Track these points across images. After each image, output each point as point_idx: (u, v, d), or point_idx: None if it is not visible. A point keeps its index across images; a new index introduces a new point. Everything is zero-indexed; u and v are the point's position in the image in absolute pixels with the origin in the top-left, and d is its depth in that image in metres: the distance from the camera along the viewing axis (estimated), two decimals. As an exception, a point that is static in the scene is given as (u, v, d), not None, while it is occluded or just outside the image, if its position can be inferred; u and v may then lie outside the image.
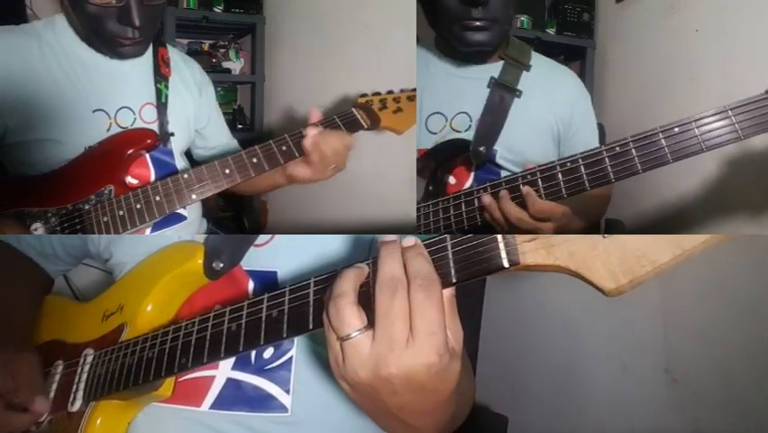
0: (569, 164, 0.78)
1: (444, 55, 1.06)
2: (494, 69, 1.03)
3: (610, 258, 0.43)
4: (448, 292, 0.47)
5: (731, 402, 1.31)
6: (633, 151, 0.74)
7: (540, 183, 0.80)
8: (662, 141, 0.73)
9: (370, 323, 0.46)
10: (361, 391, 0.47)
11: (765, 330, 1.26)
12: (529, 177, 0.82)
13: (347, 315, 0.45)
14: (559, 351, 1.64)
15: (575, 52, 2.02)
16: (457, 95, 1.03)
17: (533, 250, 0.46)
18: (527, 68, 1.03)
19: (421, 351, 0.43)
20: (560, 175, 0.79)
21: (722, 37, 1.42)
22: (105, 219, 0.88)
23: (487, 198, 0.84)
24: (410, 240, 0.49)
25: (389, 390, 0.45)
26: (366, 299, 0.47)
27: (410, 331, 0.44)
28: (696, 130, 0.71)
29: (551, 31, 1.97)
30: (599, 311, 1.53)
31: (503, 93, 1.00)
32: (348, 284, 0.47)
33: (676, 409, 1.39)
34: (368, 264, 0.50)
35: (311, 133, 0.90)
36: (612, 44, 1.94)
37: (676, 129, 0.72)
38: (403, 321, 0.44)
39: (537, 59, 1.07)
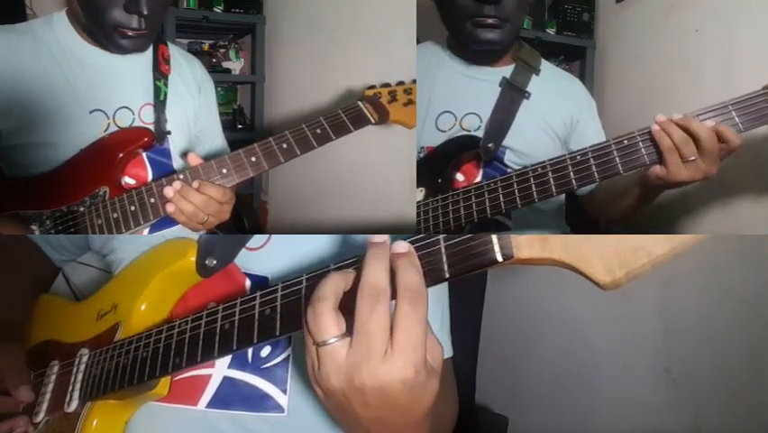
0: (578, 157, 0.82)
1: (455, 54, 1.07)
2: (505, 71, 1.05)
3: (606, 251, 0.43)
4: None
5: (731, 402, 1.31)
6: (640, 143, 0.78)
7: (550, 175, 0.83)
8: None
9: (350, 329, 0.44)
10: (333, 399, 0.46)
11: (765, 330, 1.26)
12: (540, 170, 0.84)
13: (325, 321, 0.44)
14: (559, 351, 1.64)
15: (575, 52, 2.02)
16: (468, 95, 1.04)
17: (527, 244, 0.45)
18: (537, 71, 1.06)
19: (398, 365, 0.42)
20: (569, 168, 0.82)
21: (722, 37, 1.42)
22: (100, 222, 0.86)
23: (662, 119, 0.76)
24: (403, 246, 0.47)
25: (362, 401, 0.44)
26: (351, 302, 0.45)
27: (390, 343, 0.43)
28: None
29: (551, 31, 1.97)
30: (599, 311, 1.52)
31: (513, 93, 1.03)
32: (329, 288, 0.46)
33: (676, 409, 1.39)
34: (355, 269, 0.49)
35: (168, 194, 0.83)
36: (612, 44, 1.94)
37: None
38: (382, 332, 0.43)
39: (546, 66, 1.10)
